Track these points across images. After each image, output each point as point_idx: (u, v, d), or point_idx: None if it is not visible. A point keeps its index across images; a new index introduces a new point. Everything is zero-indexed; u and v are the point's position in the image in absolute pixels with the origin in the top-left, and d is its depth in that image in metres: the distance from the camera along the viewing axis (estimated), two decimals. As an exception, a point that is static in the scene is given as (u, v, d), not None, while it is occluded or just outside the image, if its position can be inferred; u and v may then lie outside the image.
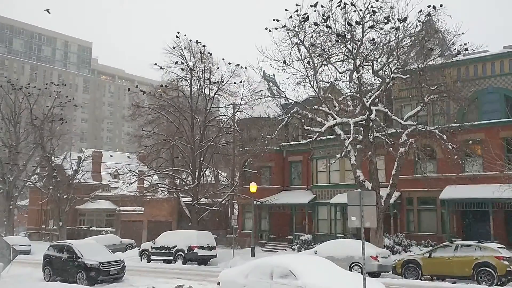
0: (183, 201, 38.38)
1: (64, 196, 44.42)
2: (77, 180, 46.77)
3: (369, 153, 24.88)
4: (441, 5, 23.98)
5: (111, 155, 59.38)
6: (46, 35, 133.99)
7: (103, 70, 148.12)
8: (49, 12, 22.89)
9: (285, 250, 32.91)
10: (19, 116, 50.34)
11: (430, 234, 28.94)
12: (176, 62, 36.97)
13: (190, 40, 37.17)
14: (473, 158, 27.92)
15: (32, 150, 50.23)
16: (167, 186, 39.87)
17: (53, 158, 45.68)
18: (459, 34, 24.51)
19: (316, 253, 21.96)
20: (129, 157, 43.33)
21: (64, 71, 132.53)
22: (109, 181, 56.55)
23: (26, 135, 51.10)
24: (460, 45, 25.05)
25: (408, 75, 24.88)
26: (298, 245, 32.05)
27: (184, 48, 37.03)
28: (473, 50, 25.48)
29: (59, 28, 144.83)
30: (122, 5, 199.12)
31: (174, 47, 36.75)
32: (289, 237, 35.22)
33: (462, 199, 26.82)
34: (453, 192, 27.20)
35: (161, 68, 37.24)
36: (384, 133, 25.78)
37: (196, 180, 36.53)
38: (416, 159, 26.20)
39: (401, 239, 28.24)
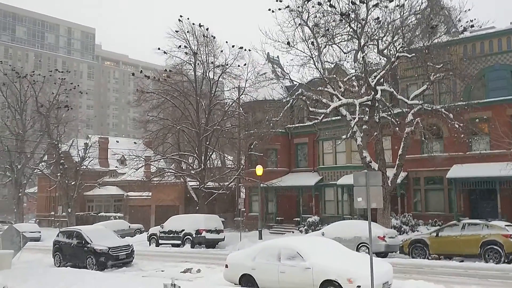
0: (190, 185, 38.54)
1: (72, 183, 44.72)
2: (85, 167, 47.04)
3: (375, 134, 24.76)
4: (446, -19, 23.63)
5: (117, 141, 59.58)
6: (49, 22, 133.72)
7: (107, 56, 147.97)
8: None
9: (293, 232, 33.04)
10: (25, 104, 50.54)
11: (437, 214, 28.92)
12: (180, 46, 36.77)
13: (193, 24, 36.93)
14: (480, 137, 27.69)
15: (39, 137, 50.49)
16: (173, 171, 40.00)
17: (60, 145, 45.89)
18: (465, 11, 24.31)
19: (323, 235, 22.04)
20: (135, 143, 43.46)
21: (68, 58, 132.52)
22: (116, 167, 56.86)
23: (33, 123, 51.34)
24: (467, 22, 24.71)
25: (414, 54, 24.59)
26: (306, 227, 32.16)
27: (187, 32, 36.81)
28: (480, 27, 25.13)
29: (62, 15, 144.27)
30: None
31: (177, 31, 36.54)
32: (296, 219, 35.32)
33: (469, 177, 26.68)
34: (460, 171, 27.06)
35: (164, 52, 37.08)
36: (390, 113, 25.60)
37: (202, 164, 36.60)
38: (423, 138, 26.05)
39: (408, 219, 28.24)
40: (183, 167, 39.64)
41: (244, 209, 35.37)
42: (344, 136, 25.57)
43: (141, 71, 43.92)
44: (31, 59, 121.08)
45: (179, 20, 36.42)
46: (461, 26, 25.18)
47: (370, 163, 24.43)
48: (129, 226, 41.35)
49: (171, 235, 30.62)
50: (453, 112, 24.45)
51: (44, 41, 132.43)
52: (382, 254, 21.14)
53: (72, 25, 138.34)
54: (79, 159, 46.50)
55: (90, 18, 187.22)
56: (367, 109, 25.71)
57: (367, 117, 25.48)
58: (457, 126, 23.92)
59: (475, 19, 24.37)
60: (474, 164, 27.09)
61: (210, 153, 38.71)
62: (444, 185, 29.01)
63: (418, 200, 30.56)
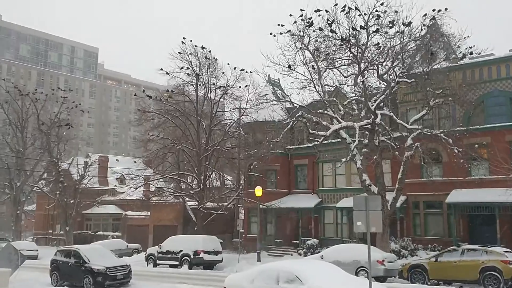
0: (189, 205, 38.46)
1: (71, 201, 44.64)
2: (84, 185, 47.00)
3: (374, 157, 24.87)
4: (446, 9, 24.02)
5: (117, 160, 59.56)
6: (52, 41, 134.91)
7: (109, 75, 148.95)
8: None
9: (291, 254, 32.87)
10: (26, 121, 50.71)
11: (437, 238, 28.84)
12: (182, 68, 37.13)
13: (196, 46, 37.33)
14: (479, 162, 27.78)
15: (39, 155, 50.52)
16: (172, 191, 39.96)
17: (60, 163, 45.92)
18: (464, 38, 24.53)
19: (322, 258, 21.95)
20: (135, 162, 43.49)
21: (71, 77, 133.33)
22: (115, 185, 56.75)
23: (33, 141, 51.44)
24: (466, 48, 25.04)
25: (413, 79, 24.86)
26: (304, 250, 32.02)
27: (190, 54, 37.20)
28: (479, 54, 25.44)
29: (66, 34, 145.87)
30: (127, 11, 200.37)
31: (180, 53, 36.91)
32: (295, 241, 35.18)
33: (469, 203, 26.70)
34: (460, 196, 27.08)
35: (167, 73, 37.42)
36: (389, 137, 25.75)
37: (201, 184, 36.60)
38: (422, 163, 26.14)
39: (407, 243, 28.15)
40: (182, 187, 39.62)
41: (243, 231, 35.23)
42: (344, 159, 25.68)
43: (143, 91, 44.26)
44: (34, 77, 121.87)
45: (182, 42, 36.86)
46: (461, 52, 25.53)
47: (369, 186, 24.47)
48: (127, 246, 41.09)
49: (169, 255, 30.44)
50: (452, 137, 24.62)
51: (47, 59, 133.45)
52: (381, 279, 21.01)
53: (76, 44, 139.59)
54: (78, 177, 46.49)
55: (93, 37, 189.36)
56: (367, 132, 25.87)
57: (366, 141, 25.63)
58: (456, 151, 24.06)
59: (474, 46, 24.74)
60: (473, 189, 27.11)
61: (210, 173, 38.73)
62: (444, 209, 28.99)
63: (418, 224, 30.49)
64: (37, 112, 47.19)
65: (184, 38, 36.90)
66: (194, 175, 37.82)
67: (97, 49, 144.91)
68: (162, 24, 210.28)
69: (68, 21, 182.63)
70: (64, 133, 47.68)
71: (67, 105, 46.73)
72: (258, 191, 32.07)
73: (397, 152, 25.25)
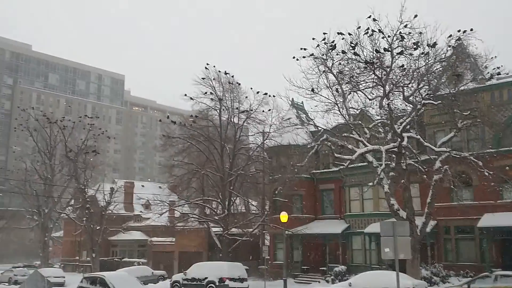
0: (214, 231, 38.23)
1: (97, 228, 44.87)
2: (110, 211, 47.24)
3: (402, 181, 24.30)
4: (471, 29, 23.59)
5: (142, 186, 59.96)
6: (80, 69, 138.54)
7: (135, 102, 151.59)
8: None
9: (319, 282, 32.19)
10: (54, 148, 51.55)
11: (469, 264, 27.89)
12: (206, 93, 37.43)
13: (219, 71, 37.67)
14: (511, 185, 26.92)
15: (67, 182, 51.15)
16: (197, 216, 39.83)
17: (86, 189, 46.38)
18: (491, 58, 23.98)
19: (350, 285, 21.43)
20: (160, 187, 43.65)
21: (98, 104, 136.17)
22: (140, 211, 56.95)
23: (61, 167, 52.17)
24: (493, 69, 24.46)
25: (440, 101, 24.38)
26: (332, 277, 31.32)
27: (213, 79, 37.52)
28: (507, 74, 24.91)
29: (93, 62, 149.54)
30: (153, 38, 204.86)
31: (203, 78, 37.27)
32: (322, 268, 34.46)
33: (501, 227, 25.82)
34: (492, 220, 26.23)
35: (191, 98, 37.75)
36: (417, 160, 25.20)
37: (226, 210, 36.39)
38: (452, 186, 25.46)
39: (438, 269, 27.26)
40: (207, 213, 39.48)
41: (269, 257, 34.73)
42: (370, 183, 25.16)
43: (168, 117, 44.72)
44: (62, 105, 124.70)
45: (206, 67, 37.23)
46: (488, 73, 24.97)
47: (398, 211, 23.86)
48: (152, 273, 40.85)
49: (194, 282, 30.12)
50: (482, 160, 23.92)
51: (75, 87, 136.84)
52: (412, 307, 20.31)
53: (103, 72, 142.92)
54: (104, 203, 46.83)
55: (120, 64, 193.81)
56: (393, 155, 25.35)
57: (394, 164, 25.10)
58: (486, 174, 23.34)
59: (501, 66, 24.16)
60: (505, 213, 26.27)
61: (234, 198, 38.53)
62: (475, 234, 28.09)
63: (449, 250, 29.58)
64: (64, 139, 47.94)
65: (207, 64, 37.33)
66: (219, 200, 37.69)
67: (124, 76, 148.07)
68: (187, 50, 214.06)
69: (96, 49, 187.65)
70: (91, 159, 48.27)
71: (93, 132, 47.43)
72: (284, 217, 31.60)
73: (425, 176, 24.64)
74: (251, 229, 37.92)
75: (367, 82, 26.09)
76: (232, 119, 38.69)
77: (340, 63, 25.72)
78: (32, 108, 56.04)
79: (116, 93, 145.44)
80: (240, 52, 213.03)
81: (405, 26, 23.76)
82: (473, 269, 26.65)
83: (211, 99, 37.81)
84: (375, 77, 25.13)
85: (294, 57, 25.98)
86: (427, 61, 24.21)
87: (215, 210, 39.20)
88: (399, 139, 24.22)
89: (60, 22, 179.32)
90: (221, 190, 37.04)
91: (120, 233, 54.73)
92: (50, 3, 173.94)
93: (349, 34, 24.65)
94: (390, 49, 24.23)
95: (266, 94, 37.08)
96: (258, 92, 37.18)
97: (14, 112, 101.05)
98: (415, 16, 23.26)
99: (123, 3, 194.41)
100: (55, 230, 62.63)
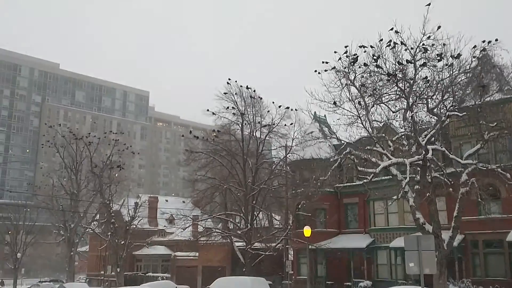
0: (237, 246, 38.06)
1: (122, 242, 45.18)
2: (134, 226, 47.57)
3: (428, 194, 23.80)
4: (496, 40, 23.08)
5: (166, 200, 60.30)
6: (106, 86, 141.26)
7: (159, 117, 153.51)
8: None
9: (343, 296, 31.65)
10: (80, 164, 52.36)
11: (499, 279, 27.08)
12: (228, 108, 37.59)
13: (241, 86, 37.83)
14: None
15: (92, 197, 51.81)
16: (220, 231, 39.77)
17: (111, 204, 46.87)
18: (517, 69, 23.49)
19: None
20: (183, 202, 43.76)
21: (123, 120, 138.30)
22: (164, 226, 57.23)
23: (87, 183, 52.89)
24: (519, 79, 23.99)
25: (465, 113, 23.89)
26: (357, 292, 30.78)
27: (235, 94, 37.69)
28: (534, 84, 24.31)
29: (119, 79, 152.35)
30: (177, 54, 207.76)
31: (225, 93, 37.47)
32: (347, 283, 33.93)
33: (532, 241, 25.01)
34: (522, 233, 25.45)
35: (213, 113, 37.95)
36: (442, 172, 24.66)
37: (249, 224, 36.24)
38: (479, 199, 24.82)
39: (467, 285, 26.55)
40: (230, 227, 39.38)
41: (292, 272, 34.36)
42: (395, 197, 24.71)
43: (191, 132, 45.05)
44: (88, 121, 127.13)
45: (228, 83, 37.46)
46: (514, 83, 24.46)
47: (424, 225, 23.32)
48: (176, 287, 40.85)
49: (218, 297, 29.87)
50: (510, 172, 23.30)
51: (101, 104, 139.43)
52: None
53: (128, 88, 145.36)
54: (129, 218, 47.19)
55: (145, 80, 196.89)
56: (418, 168, 24.87)
57: (418, 177, 24.60)
58: (515, 186, 22.73)
59: (528, 76, 23.67)
60: (536, 226, 25.44)
61: (257, 213, 38.36)
62: (505, 248, 27.30)
63: (477, 265, 28.78)
64: (90, 155, 48.70)
65: (229, 79, 37.54)
66: (242, 214, 37.57)
67: (148, 92, 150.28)
68: (210, 67, 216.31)
69: (122, 65, 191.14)
70: (116, 175, 48.85)
71: (118, 148, 48.04)
72: (307, 231, 31.34)
73: (451, 189, 24.08)
74: (274, 244, 37.62)
75: (390, 94, 25.74)
76: (254, 134, 38.72)
77: (362, 76, 25.51)
78: (59, 125, 57.19)
79: (141, 109, 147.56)
80: (261, 66, 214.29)
81: (428, 37, 23.43)
82: (503, 284, 25.90)
83: (233, 113, 37.95)
84: (398, 89, 24.79)
85: (315, 71, 25.86)
86: (451, 72, 23.78)
87: (238, 224, 39.09)
88: (423, 152, 23.79)
89: (86, 41, 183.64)
90: (244, 205, 36.95)
91: (144, 248, 55.01)
92: (76, 23, 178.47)
93: (371, 46, 24.42)
94: (413, 61, 23.94)
95: (288, 108, 37.02)
96: (280, 106, 37.18)
97: (42, 129, 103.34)
98: (439, 27, 22.92)
99: (149, 21, 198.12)
100: (81, 245, 63.37)
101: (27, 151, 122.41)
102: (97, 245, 56.34)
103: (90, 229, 52.60)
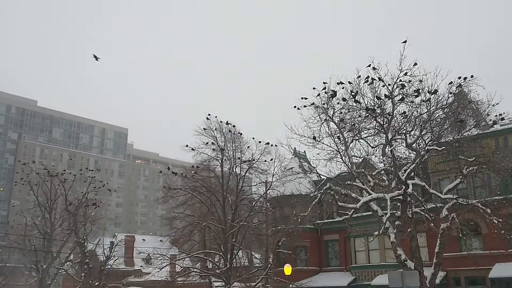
0: (215, 286, 36.96)
1: (96, 283, 43.53)
2: (109, 266, 46.04)
3: (409, 230, 23.54)
4: (472, 76, 23.54)
5: (143, 239, 58.90)
6: (84, 123, 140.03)
7: (138, 155, 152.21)
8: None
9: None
10: (54, 202, 50.91)
11: (483, 318, 26.63)
12: (207, 143, 37.14)
13: (221, 121, 37.57)
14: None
15: (66, 236, 50.21)
16: (199, 270, 38.65)
17: (86, 244, 45.40)
18: (493, 105, 23.80)
19: None
20: (161, 241, 42.67)
21: (101, 157, 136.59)
22: (141, 266, 55.64)
23: (61, 222, 51.30)
24: (496, 115, 24.25)
25: (444, 147, 24.01)
26: (339, 332, 29.91)
27: (215, 129, 37.35)
28: (510, 120, 24.61)
29: (97, 116, 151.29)
30: (156, 90, 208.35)
31: (205, 129, 37.11)
32: (328, 323, 33.05)
33: (515, 277, 24.78)
34: (503, 270, 25.31)
35: (192, 149, 37.39)
36: (423, 208, 24.53)
37: (228, 263, 35.31)
38: (460, 235, 24.66)
39: (451, 323, 25.99)
40: (209, 266, 38.33)
41: (273, 312, 33.37)
42: (376, 233, 24.33)
43: (169, 168, 44.43)
44: (65, 158, 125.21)
45: (207, 118, 37.17)
46: (491, 120, 24.74)
47: (405, 262, 22.95)
48: (152, 330, 39.33)
49: None
50: (490, 207, 23.29)
51: (78, 141, 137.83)
52: None
53: (106, 125, 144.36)
54: (104, 258, 45.69)
55: (123, 117, 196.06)
56: (399, 204, 24.71)
57: (399, 213, 24.42)
58: (496, 221, 22.64)
59: (504, 113, 23.94)
60: (517, 263, 25.28)
61: (237, 251, 37.48)
62: (487, 285, 27.03)
63: (461, 303, 28.34)
64: (65, 192, 47.43)
65: (209, 114, 37.30)
66: (221, 253, 36.65)
67: (127, 129, 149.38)
68: (188, 102, 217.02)
69: (99, 103, 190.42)
70: (92, 213, 47.57)
71: (94, 185, 46.98)
72: (287, 269, 30.65)
73: (432, 224, 23.88)
74: (254, 283, 36.67)
75: (369, 129, 25.86)
76: (234, 169, 38.24)
77: (341, 112, 25.62)
78: (33, 162, 55.81)
79: (119, 146, 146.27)
80: (241, 103, 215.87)
81: (405, 74, 23.75)
82: (487, 323, 25.43)
83: (213, 149, 37.49)
84: (377, 124, 24.92)
85: (295, 106, 25.93)
86: (429, 107, 24.04)
87: (217, 263, 38.08)
88: (404, 187, 23.69)
89: (66, 78, 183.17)
90: (223, 243, 36.08)
91: (120, 289, 53.16)
92: (54, 61, 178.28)
93: (349, 83, 24.65)
94: (391, 97, 24.14)
95: (268, 143, 36.75)
96: (260, 142, 36.88)
97: (17, 167, 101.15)
98: (415, 64, 23.31)
99: (128, 58, 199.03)
100: (54, 286, 60.83)
101: (1, 189, 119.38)
102: (70, 287, 54.18)
103: (63, 270, 50.68)
